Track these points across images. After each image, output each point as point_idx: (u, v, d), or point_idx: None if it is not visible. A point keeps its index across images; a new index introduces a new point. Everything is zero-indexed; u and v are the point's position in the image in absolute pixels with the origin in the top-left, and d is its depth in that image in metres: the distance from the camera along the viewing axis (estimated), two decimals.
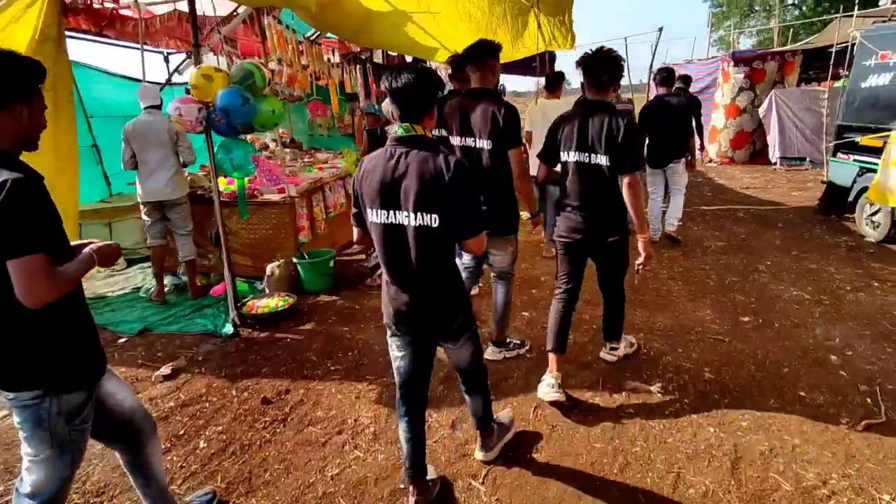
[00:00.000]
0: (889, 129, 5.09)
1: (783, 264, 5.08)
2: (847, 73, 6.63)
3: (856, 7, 7.71)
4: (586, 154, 2.67)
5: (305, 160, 6.33)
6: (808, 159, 10.18)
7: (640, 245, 2.75)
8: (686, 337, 3.56)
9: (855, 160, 5.72)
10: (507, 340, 3.36)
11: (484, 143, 2.81)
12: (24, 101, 1.46)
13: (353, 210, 1.96)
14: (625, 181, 2.63)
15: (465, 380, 2.27)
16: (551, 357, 2.90)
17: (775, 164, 10.36)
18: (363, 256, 5.35)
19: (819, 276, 4.75)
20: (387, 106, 2.89)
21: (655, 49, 8.10)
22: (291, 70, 5.15)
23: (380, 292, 2.08)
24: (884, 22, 5.61)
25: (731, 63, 10.94)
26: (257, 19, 4.75)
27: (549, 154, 2.86)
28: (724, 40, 24.75)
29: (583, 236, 2.78)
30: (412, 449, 2.12)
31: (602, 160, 2.63)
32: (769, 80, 10.69)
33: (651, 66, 8.58)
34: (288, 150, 6.56)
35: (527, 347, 3.41)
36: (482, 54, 2.87)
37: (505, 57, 3.53)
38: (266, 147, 6.98)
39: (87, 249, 1.59)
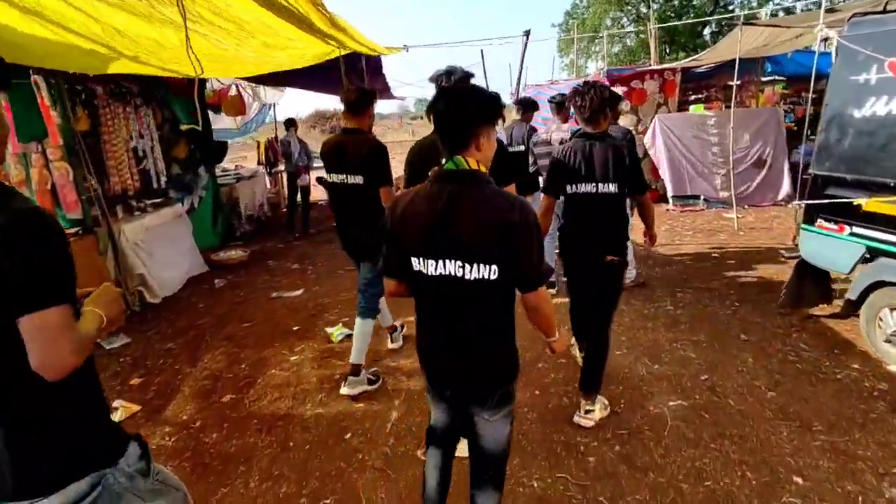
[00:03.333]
0: None
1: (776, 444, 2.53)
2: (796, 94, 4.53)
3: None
4: (594, 185, 2.76)
5: None
6: (702, 197, 8.50)
7: (648, 241, 3.16)
8: None
9: (855, 235, 3.52)
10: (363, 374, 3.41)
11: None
12: None
13: (387, 258, 1.66)
14: (641, 200, 2.98)
15: (482, 472, 1.78)
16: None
17: (668, 204, 8.56)
18: None
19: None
20: None
21: (523, 57, 5.63)
22: None
23: None
24: (876, 15, 3.61)
25: (607, 81, 9.06)
26: None
27: (555, 186, 2.89)
28: (575, 64, 24.83)
29: (587, 256, 2.88)
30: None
31: (611, 188, 2.75)
32: (651, 101, 8.96)
33: (519, 79, 6.13)
34: None
35: (379, 383, 3.45)
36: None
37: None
38: None
39: (87, 308, 1.25)
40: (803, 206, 3.92)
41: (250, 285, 5.89)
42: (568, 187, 2.85)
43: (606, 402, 3.08)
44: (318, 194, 9.33)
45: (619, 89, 8.85)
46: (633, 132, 5.24)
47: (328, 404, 3.31)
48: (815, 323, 4.06)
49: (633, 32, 28.27)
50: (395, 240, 1.61)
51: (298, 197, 8.20)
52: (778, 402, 3.03)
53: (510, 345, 1.66)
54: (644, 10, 27.08)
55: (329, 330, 4.34)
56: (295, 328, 4.58)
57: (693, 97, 10.39)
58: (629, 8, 28.15)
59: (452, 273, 1.51)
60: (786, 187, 8.31)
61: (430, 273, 1.54)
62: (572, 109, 2.86)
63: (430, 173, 1.60)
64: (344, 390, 3.34)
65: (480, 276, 1.48)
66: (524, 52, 5.84)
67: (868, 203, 3.39)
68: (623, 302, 4.07)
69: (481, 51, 7.34)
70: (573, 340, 3.50)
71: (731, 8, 27.12)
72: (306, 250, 7.25)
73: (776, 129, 8.37)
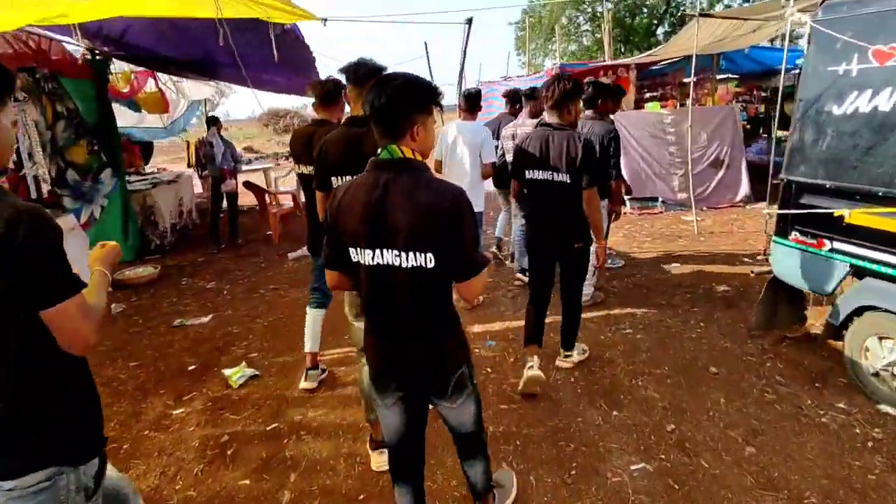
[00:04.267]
0: None
1: None
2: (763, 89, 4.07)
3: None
4: (550, 173, 2.91)
5: None
6: (660, 199, 8.11)
7: (597, 250, 3.18)
8: None
9: (837, 251, 3.04)
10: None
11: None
12: None
13: (327, 250, 1.63)
14: (586, 196, 2.93)
15: (463, 445, 1.91)
16: (530, 348, 3.21)
17: (626, 207, 8.12)
18: None
19: None
20: None
21: (466, 46, 5.00)
22: None
23: None
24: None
25: None
26: None
27: (517, 172, 3.09)
28: (532, 63, 24.58)
29: (551, 243, 3.11)
30: None
31: (565, 178, 2.88)
32: None
33: (462, 70, 5.50)
34: None
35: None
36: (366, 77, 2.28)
37: None
38: None
39: (95, 268, 1.43)
40: (773, 215, 3.44)
41: (153, 309, 5.05)
42: (526, 172, 3.01)
43: (585, 348, 3.62)
44: (249, 199, 8.47)
45: None
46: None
47: (204, 482, 2.58)
48: (789, 347, 3.59)
49: (588, 31, 28.36)
50: (333, 231, 1.59)
51: (225, 204, 7.35)
52: (759, 462, 2.49)
53: (456, 331, 1.67)
54: (599, 8, 27.07)
55: (227, 372, 3.59)
56: (191, 367, 3.80)
57: (648, 95, 10.06)
58: (584, 6, 28.09)
59: (389, 262, 1.50)
60: (744, 188, 8.00)
61: (367, 263, 1.53)
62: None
63: (367, 162, 1.56)
64: (304, 385, 3.39)
65: (417, 265, 1.48)
66: (466, 40, 5.19)
67: (852, 215, 2.91)
68: (582, 329, 3.52)
69: (425, 43, 6.67)
70: (525, 357, 3.25)
71: (682, 8, 27.47)
72: (227, 265, 6.42)
73: (733, 127, 8.05)
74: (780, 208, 3.38)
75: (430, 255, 1.46)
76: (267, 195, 7.88)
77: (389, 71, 2.05)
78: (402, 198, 1.46)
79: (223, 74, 8.13)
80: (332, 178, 2.36)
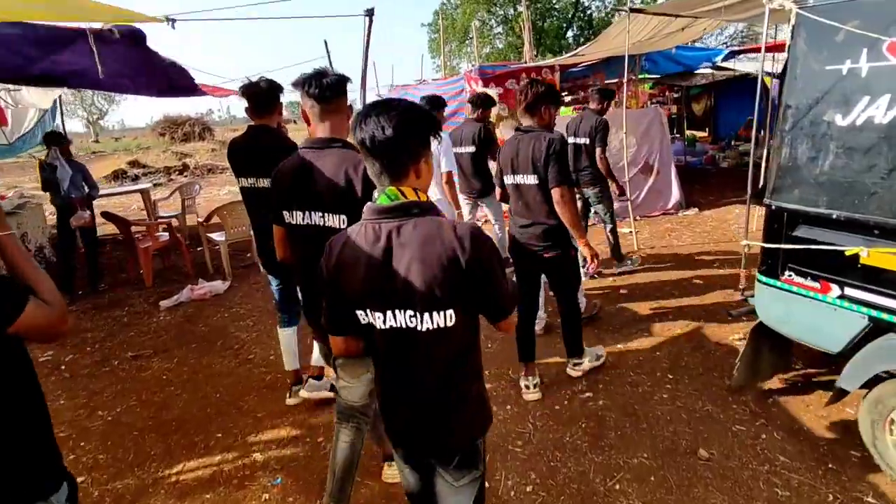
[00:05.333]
0: None
1: None
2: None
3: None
4: (521, 176, 2.94)
5: None
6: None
7: (583, 250, 3.02)
8: None
9: (848, 299, 2.39)
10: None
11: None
12: None
13: (327, 313, 1.43)
14: (554, 196, 2.86)
15: None
16: (526, 367, 3.21)
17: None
18: None
19: None
20: None
21: (368, 42, 4.03)
22: None
23: None
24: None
25: (479, 81, 7.81)
26: None
27: (499, 177, 3.17)
28: (448, 66, 24.04)
29: (528, 251, 3.05)
30: None
31: (531, 179, 2.90)
32: None
33: (365, 70, 4.52)
34: None
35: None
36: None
37: None
38: None
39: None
40: (752, 248, 2.77)
41: None
42: (504, 178, 3.07)
43: (600, 353, 3.45)
44: (110, 228, 6.97)
45: (493, 90, 7.65)
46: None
47: None
48: (778, 406, 2.95)
49: (501, 35, 28.30)
50: (334, 292, 1.38)
51: (79, 241, 5.86)
52: None
53: (477, 393, 1.46)
54: (511, 11, 27.04)
55: None
56: None
57: (570, 98, 9.57)
58: (496, 9, 27.99)
59: (404, 325, 1.31)
60: (675, 194, 7.63)
61: (379, 327, 1.34)
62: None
63: (364, 210, 1.35)
64: (303, 393, 3.26)
65: (436, 326, 1.29)
66: (368, 36, 4.22)
67: (871, 254, 2.26)
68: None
69: (325, 41, 5.62)
70: (522, 376, 3.26)
71: (588, 12, 28.12)
72: (79, 322, 4.99)
73: (661, 131, 7.66)
74: (765, 239, 2.72)
75: (450, 312, 1.28)
76: (138, 225, 6.45)
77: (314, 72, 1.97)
78: (412, 250, 1.26)
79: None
80: (284, 214, 2.05)
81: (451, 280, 1.26)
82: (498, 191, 3.30)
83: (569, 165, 2.96)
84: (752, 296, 2.96)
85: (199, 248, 6.59)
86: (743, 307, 3.13)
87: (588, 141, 4.95)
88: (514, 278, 3.23)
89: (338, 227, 1.92)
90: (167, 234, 6.22)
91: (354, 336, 1.45)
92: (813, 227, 2.50)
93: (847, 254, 2.32)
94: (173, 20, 3.33)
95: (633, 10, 5.31)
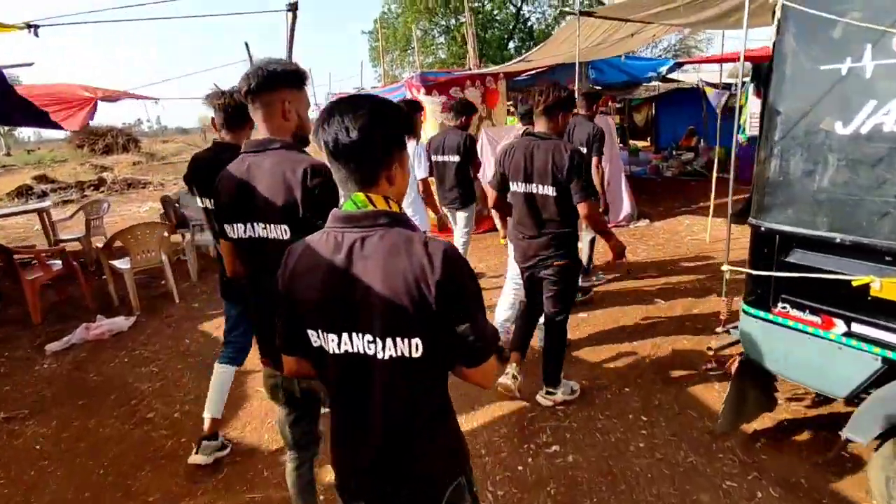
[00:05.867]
0: None
1: None
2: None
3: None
4: (534, 185, 2.75)
5: None
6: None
7: (610, 247, 2.96)
8: None
9: (856, 337, 2.04)
10: None
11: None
12: None
13: (280, 328, 1.25)
14: (581, 211, 2.75)
15: None
16: (513, 355, 3.15)
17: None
18: None
19: None
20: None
21: (292, 39, 3.47)
22: None
23: None
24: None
25: (421, 89, 7.35)
26: None
27: (500, 183, 2.97)
28: (389, 74, 23.56)
29: (534, 261, 2.94)
30: None
31: (549, 190, 2.72)
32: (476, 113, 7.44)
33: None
34: None
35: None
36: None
37: None
38: None
39: None
40: (733, 273, 2.41)
41: None
42: (511, 185, 2.90)
43: (575, 388, 3.18)
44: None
45: (437, 98, 7.22)
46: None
47: None
48: (769, 454, 2.59)
49: (444, 44, 28.14)
50: (287, 305, 1.20)
51: None
52: None
53: (449, 434, 1.27)
54: (454, 22, 26.95)
55: None
56: None
57: (514, 108, 9.27)
58: (438, 19, 27.86)
59: (361, 350, 1.13)
60: (626, 206, 7.43)
61: (333, 351, 1.15)
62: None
63: (329, 216, 1.18)
64: (196, 458, 2.77)
65: (399, 354, 1.11)
66: (292, 32, 3.65)
67: (884, 286, 1.92)
68: (485, 446, 2.16)
69: (246, 43, 5.01)
70: (507, 368, 3.17)
71: (529, 24, 28.49)
72: None
73: (610, 141, 7.43)
74: (752, 265, 2.36)
75: (416, 340, 1.09)
76: (22, 253, 5.51)
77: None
78: (375, 264, 1.09)
79: None
80: (227, 228, 1.84)
81: (418, 303, 1.08)
82: (492, 196, 3.08)
83: (592, 177, 2.96)
84: (735, 327, 2.60)
85: (104, 277, 5.72)
86: (724, 339, 2.77)
87: (585, 150, 4.56)
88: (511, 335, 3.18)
89: (282, 238, 1.74)
90: (60, 261, 5.32)
91: (306, 357, 1.26)
92: (811, 251, 2.15)
93: (854, 284, 1.98)
94: (35, 26, 2.66)
95: (583, 14, 4.99)
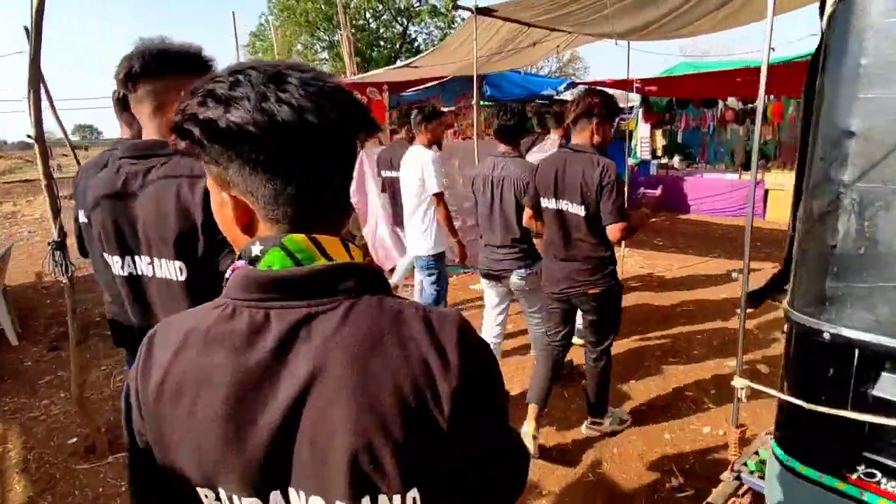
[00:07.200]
0: None
1: None
2: None
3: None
4: (565, 202, 2.59)
5: None
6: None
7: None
8: None
9: None
10: None
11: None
12: None
13: (133, 487, 0.69)
14: (611, 234, 2.51)
15: None
16: (529, 408, 2.73)
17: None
18: None
19: None
20: None
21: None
22: None
23: None
24: None
25: None
26: None
27: (534, 200, 2.74)
28: None
29: (565, 286, 2.66)
30: None
31: (578, 210, 2.53)
32: None
33: None
34: None
35: None
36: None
37: None
38: None
39: None
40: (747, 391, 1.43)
41: None
42: (542, 201, 2.71)
43: (625, 418, 2.92)
44: None
45: None
46: None
47: None
48: None
49: (327, 60, 26.73)
50: (154, 446, 0.64)
51: None
52: None
53: None
54: (336, 38, 25.74)
55: None
56: None
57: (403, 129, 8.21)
58: (321, 33, 26.47)
59: None
60: None
61: None
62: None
63: (230, 283, 0.63)
64: None
65: None
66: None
67: None
68: None
69: (25, 27, 3.42)
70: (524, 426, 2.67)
71: (416, 44, 28.04)
72: None
73: None
74: (802, 392, 1.37)
75: (414, 493, 0.59)
76: None
77: None
78: (337, 372, 0.57)
79: None
80: (107, 258, 1.39)
81: (421, 437, 0.57)
82: (528, 215, 2.79)
83: (624, 196, 2.59)
84: (757, 475, 1.62)
85: None
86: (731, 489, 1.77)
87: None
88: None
89: (174, 278, 1.28)
90: None
91: None
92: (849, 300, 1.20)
93: None
94: None
95: (480, 11, 4.02)
